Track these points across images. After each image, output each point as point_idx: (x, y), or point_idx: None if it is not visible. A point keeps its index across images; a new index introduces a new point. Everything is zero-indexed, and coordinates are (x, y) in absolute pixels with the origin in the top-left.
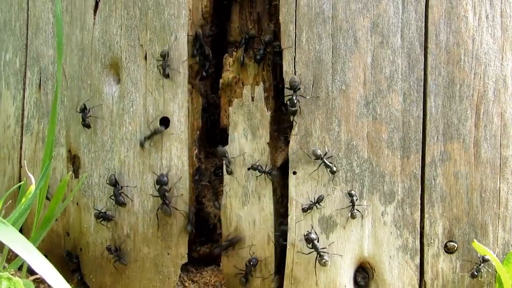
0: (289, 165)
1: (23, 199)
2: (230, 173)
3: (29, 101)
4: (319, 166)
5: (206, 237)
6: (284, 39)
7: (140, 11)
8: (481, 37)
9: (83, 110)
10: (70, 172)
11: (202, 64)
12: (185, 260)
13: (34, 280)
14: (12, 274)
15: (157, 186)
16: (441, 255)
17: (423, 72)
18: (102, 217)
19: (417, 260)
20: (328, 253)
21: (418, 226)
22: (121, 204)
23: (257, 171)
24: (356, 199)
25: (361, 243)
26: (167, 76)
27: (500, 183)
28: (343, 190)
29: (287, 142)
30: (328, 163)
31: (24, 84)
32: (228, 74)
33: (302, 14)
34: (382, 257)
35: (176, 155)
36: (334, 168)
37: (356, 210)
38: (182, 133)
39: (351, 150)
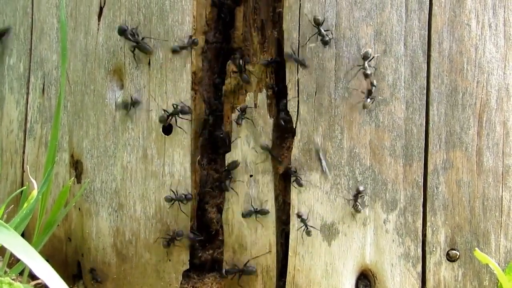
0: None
1: (25, 204)
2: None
3: (32, 105)
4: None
5: (208, 243)
6: (288, 46)
7: (144, 17)
8: (484, 46)
9: None
10: (73, 178)
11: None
12: (187, 266)
13: (35, 285)
14: (13, 279)
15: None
16: (443, 263)
17: (426, 80)
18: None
19: (419, 268)
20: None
21: (420, 234)
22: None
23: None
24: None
25: (363, 251)
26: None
27: (502, 192)
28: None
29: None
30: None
31: (28, 88)
32: (231, 81)
33: (306, 22)
34: (384, 264)
35: (179, 162)
36: (327, 38)
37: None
38: (185, 140)
39: (353, 158)
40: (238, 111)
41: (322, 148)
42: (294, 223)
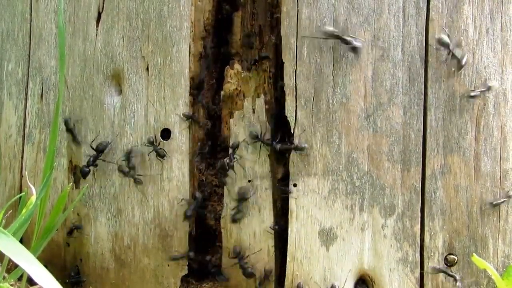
0: (290, 178)
1: (24, 210)
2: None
3: (31, 111)
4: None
5: (207, 248)
6: (286, 52)
7: (142, 23)
8: (481, 51)
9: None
10: (71, 183)
11: None
12: (185, 271)
13: None
14: (11, 285)
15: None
16: (441, 268)
17: (423, 86)
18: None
19: (417, 273)
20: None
21: (418, 239)
22: None
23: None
24: None
25: (361, 256)
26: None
27: (500, 196)
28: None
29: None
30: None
31: (26, 94)
32: (229, 86)
33: (304, 27)
34: (382, 269)
35: (177, 167)
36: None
37: None
38: (183, 145)
39: (351, 163)
40: (231, 148)
41: (320, 153)
42: (293, 228)
